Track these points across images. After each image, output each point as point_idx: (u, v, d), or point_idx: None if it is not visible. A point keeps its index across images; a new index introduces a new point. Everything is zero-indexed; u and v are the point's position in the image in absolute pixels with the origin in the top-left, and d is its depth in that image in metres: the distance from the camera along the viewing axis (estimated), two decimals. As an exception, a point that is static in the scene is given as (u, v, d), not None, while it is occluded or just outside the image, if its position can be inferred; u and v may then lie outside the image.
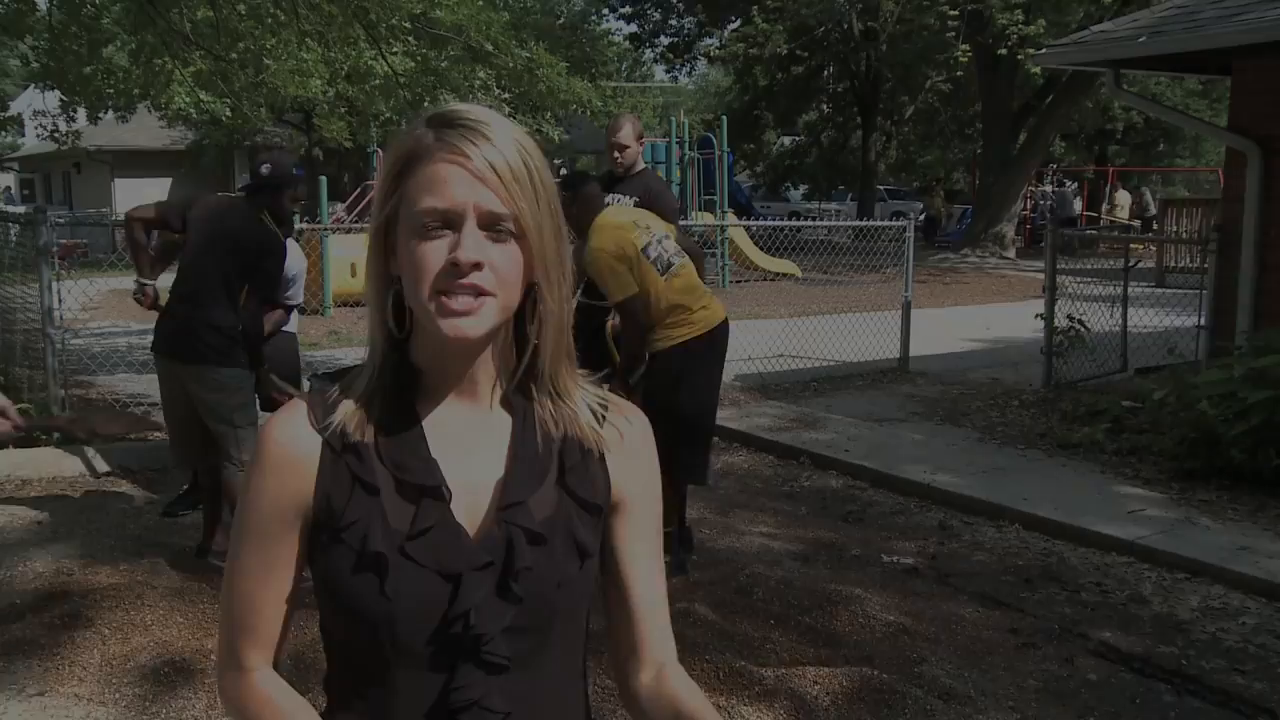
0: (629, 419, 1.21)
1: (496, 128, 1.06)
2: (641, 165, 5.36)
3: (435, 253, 1.04)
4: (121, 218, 5.05)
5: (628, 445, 1.19)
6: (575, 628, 1.17)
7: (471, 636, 1.06)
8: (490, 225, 1.05)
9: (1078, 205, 26.50)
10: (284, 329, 5.32)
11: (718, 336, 4.55)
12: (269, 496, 1.11)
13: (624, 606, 1.21)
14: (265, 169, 4.47)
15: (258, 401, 4.68)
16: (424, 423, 1.12)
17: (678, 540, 4.52)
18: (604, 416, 1.18)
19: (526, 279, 1.08)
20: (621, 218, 4.55)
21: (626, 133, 5.16)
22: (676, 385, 4.40)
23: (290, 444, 1.11)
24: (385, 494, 1.09)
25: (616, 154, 5.17)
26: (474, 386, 1.13)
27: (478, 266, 1.03)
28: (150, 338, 4.60)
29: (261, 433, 1.13)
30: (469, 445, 1.12)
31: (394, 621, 1.06)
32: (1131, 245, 11.27)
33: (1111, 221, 24.14)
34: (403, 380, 1.12)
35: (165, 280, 4.82)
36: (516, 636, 1.08)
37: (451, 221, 1.04)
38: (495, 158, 1.04)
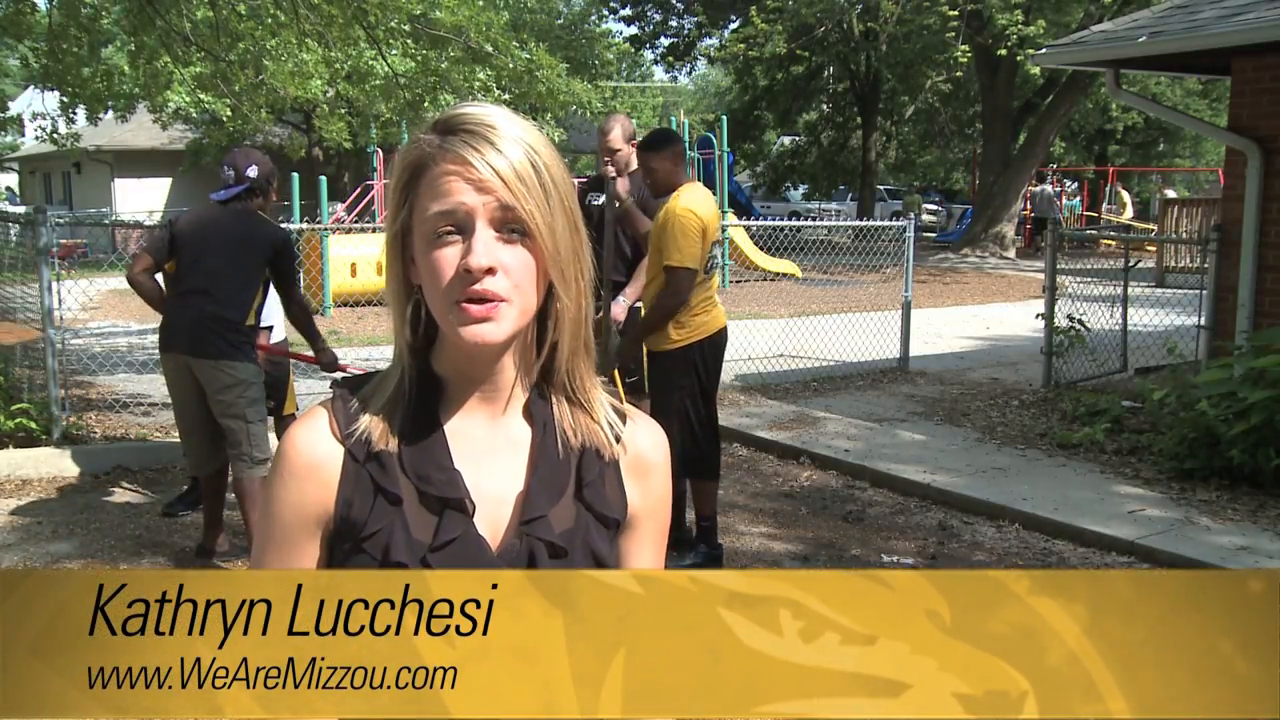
0: (645, 432, 1.21)
1: (502, 129, 1.06)
2: (634, 167, 5.32)
3: (448, 260, 1.04)
4: (121, 218, 5.09)
5: (642, 459, 1.19)
6: None
7: None
8: (501, 228, 1.05)
9: (1075, 205, 26.48)
10: (273, 336, 5.35)
11: (720, 342, 4.64)
12: (291, 505, 1.11)
13: None
14: (253, 171, 4.47)
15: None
16: (446, 432, 1.12)
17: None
18: (620, 428, 1.18)
19: (544, 279, 1.08)
20: (713, 205, 4.62)
21: (616, 135, 5.12)
22: (681, 383, 4.51)
23: (311, 452, 1.11)
24: (408, 504, 1.09)
25: (607, 157, 5.15)
26: (496, 394, 1.13)
27: (490, 272, 1.03)
28: (150, 337, 4.59)
29: (283, 440, 1.14)
30: (491, 455, 1.13)
31: None
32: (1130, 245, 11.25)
33: (1129, 224, 24.05)
34: (426, 388, 1.13)
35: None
36: None
37: (462, 228, 1.04)
38: (499, 162, 1.04)
